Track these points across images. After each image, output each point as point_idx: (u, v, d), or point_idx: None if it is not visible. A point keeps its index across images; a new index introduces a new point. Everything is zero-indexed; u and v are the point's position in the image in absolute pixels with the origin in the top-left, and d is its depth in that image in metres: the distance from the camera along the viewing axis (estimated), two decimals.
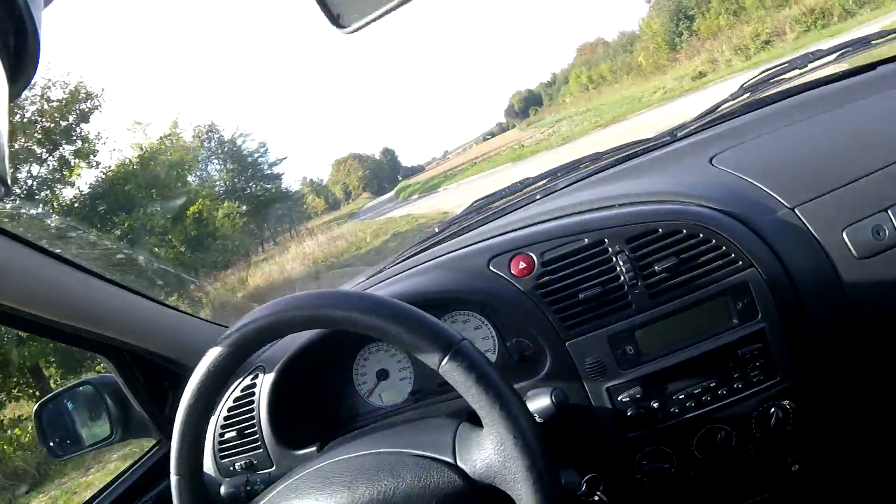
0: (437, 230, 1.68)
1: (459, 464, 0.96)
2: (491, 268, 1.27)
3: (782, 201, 1.23)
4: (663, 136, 1.62)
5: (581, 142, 22.69)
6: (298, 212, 33.16)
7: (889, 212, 1.18)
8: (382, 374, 1.44)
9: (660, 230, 1.18)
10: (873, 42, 1.77)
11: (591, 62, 45.05)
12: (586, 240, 1.21)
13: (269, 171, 31.66)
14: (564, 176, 1.61)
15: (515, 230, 1.34)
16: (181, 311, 1.71)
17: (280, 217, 30.45)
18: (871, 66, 1.70)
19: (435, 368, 0.92)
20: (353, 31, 0.93)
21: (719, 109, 1.65)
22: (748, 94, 1.66)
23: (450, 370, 0.90)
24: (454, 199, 20.87)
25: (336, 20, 0.90)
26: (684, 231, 1.17)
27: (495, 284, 1.25)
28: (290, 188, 32.83)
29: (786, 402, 1.18)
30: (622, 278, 1.17)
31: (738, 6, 32.26)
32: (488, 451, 0.93)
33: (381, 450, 1.06)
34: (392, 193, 36.63)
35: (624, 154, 1.58)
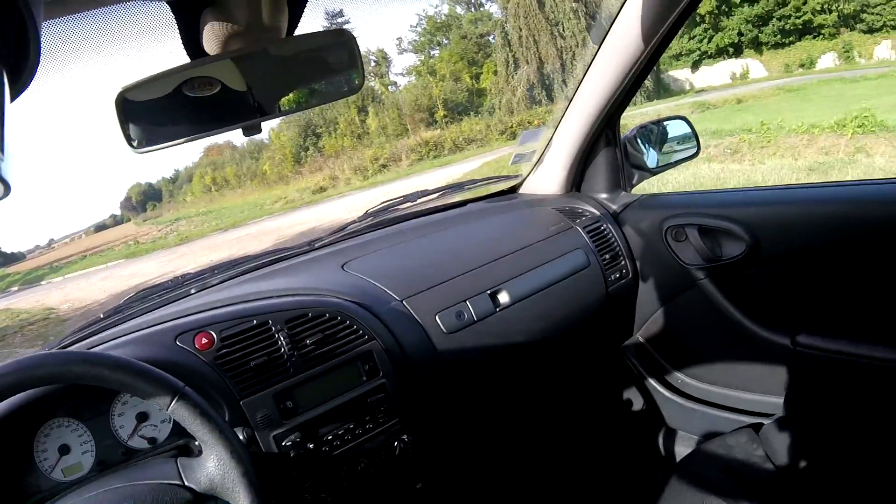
0: (101, 316, 1.80)
1: (188, 484, 1.16)
2: (178, 343, 1.45)
3: (394, 295, 1.66)
4: (302, 245, 1.97)
5: (199, 244, 21.94)
6: None
7: (467, 302, 1.71)
8: (64, 450, 1.45)
9: (310, 314, 1.51)
10: (467, 187, 2.33)
11: (218, 164, 43.68)
12: (255, 321, 1.48)
13: None
14: (221, 273, 1.86)
15: (196, 313, 1.58)
16: None
17: None
18: (462, 204, 2.24)
19: (165, 409, 1.13)
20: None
21: (347, 229, 2.05)
22: (371, 218, 2.09)
23: (178, 409, 1.13)
24: (61, 295, 18.75)
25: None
26: (327, 315, 1.52)
27: (182, 356, 1.43)
28: None
29: (405, 437, 1.57)
30: (283, 350, 1.46)
31: (362, 131, 34.11)
32: (210, 469, 1.15)
33: (116, 486, 1.20)
34: None
35: (272, 258, 1.90)
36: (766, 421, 1.87)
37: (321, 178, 29.98)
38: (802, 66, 33.77)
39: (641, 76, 1.91)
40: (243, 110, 1.25)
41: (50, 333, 13.93)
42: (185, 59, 1.21)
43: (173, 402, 1.14)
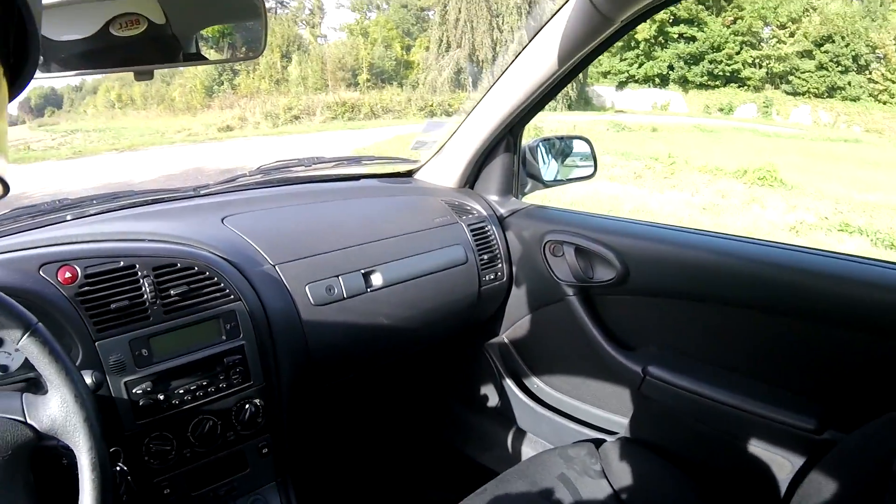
0: None
1: (29, 421, 1.10)
2: (41, 273, 1.40)
3: (268, 259, 1.65)
4: (188, 190, 1.91)
5: (92, 160, 20.72)
6: None
7: (339, 277, 1.73)
8: None
9: (178, 264, 1.49)
10: (364, 161, 2.34)
11: (126, 80, 41.57)
12: (122, 263, 1.44)
13: None
14: (100, 204, 1.79)
15: (64, 244, 1.51)
16: None
17: None
18: (356, 178, 2.26)
19: (15, 343, 1.08)
20: None
21: (237, 181, 2.01)
22: (262, 175, 2.06)
23: (28, 345, 1.08)
24: None
25: None
26: (196, 268, 1.50)
27: (43, 287, 1.38)
28: None
29: (257, 400, 1.58)
30: (145, 296, 1.43)
31: (281, 76, 33.38)
32: (53, 410, 1.10)
33: None
34: None
35: (154, 198, 1.83)
36: (608, 438, 1.96)
37: (230, 116, 28.85)
38: (721, 110, 34.97)
39: (552, 93, 1.96)
40: (147, 53, 1.22)
41: None
42: None
43: (24, 337, 1.10)
